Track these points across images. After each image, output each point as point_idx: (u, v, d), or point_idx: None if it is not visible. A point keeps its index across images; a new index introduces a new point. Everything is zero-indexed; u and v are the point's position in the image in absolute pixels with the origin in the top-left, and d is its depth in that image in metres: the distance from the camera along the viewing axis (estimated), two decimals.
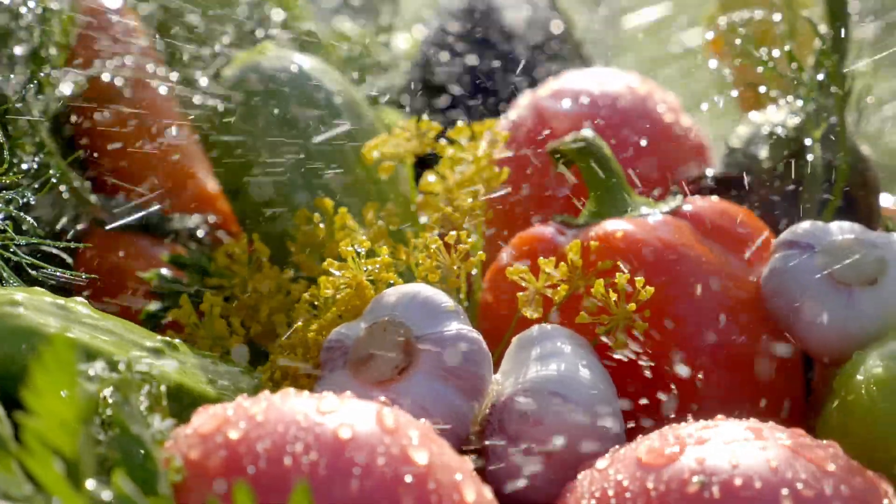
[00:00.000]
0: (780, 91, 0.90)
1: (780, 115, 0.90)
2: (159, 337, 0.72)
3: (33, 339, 0.64)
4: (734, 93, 1.02)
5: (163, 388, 0.59)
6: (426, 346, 0.68)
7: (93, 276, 0.80)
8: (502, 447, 0.67)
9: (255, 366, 0.76)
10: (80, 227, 0.88)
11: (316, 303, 0.74)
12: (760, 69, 0.86)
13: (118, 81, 0.91)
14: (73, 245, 0.77)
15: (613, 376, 0.70)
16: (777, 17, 0.92)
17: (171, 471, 0.55)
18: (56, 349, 0.52)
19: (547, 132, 0.89)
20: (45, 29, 0.84)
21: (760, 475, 0.57)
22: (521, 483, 0.67)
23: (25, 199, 0.76)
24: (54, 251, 0.79)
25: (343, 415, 0.56)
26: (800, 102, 0.87)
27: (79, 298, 0.70)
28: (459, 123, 0.84)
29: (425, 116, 0.85)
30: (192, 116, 0.96)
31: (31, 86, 0.83)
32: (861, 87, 0.89)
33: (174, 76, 0.96)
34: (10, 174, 0.78)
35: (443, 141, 0.84)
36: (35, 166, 0.82)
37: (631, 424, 0.71)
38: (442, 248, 0.74)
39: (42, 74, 0.84)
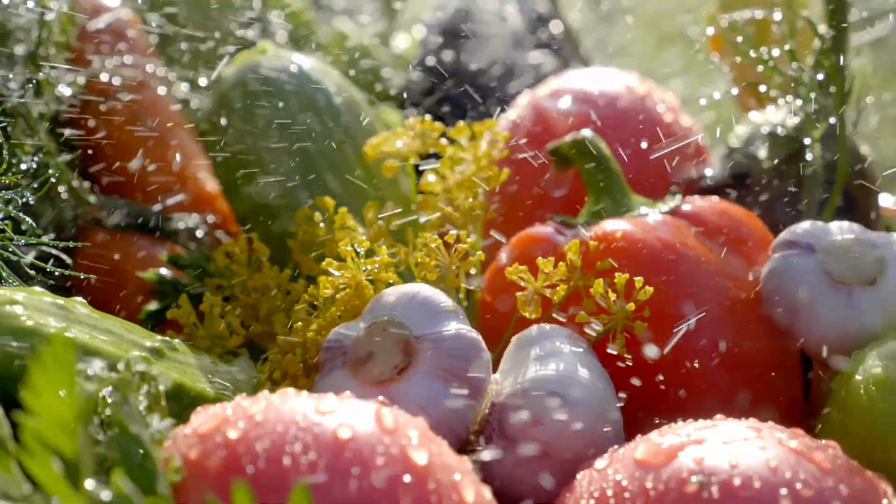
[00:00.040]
0: (779, 91, 0.90)
1: (779, 115, 0.90)
2: (158, 337, 0.72)
3: (33, 339, 0.64)
4: (734, 90, 1.02)
5: (162, 387, 0.59)
6: (425, 346, 0.68)
7: (91, 276, 0.80)
8: (501, 447, 0.67)
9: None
10: (79, 226, 0.88)
11: (315, 303, 0.74)
12: (760, 68, 0.86)
13: (116, 81, 0.91)
14: (72, 245, 0.77)
15: (612, 376, 0.70)
16: (776, 16, 0.92)
17: (170, 471, 0.55)
18: (55, 349, 0.52)
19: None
20: (44, 29, 0.84)
21: (759, 475, 0.57)
22: (519, 483, 0.67)
23: (24, 199, 0.75)
24: (54, 251, 0.79)
25: (342, 415, 0.56)
26: (799, 102, 0.87)
27: (78, 298, 0.70)
28: (460, 123, 0.84)
29: (426, 116, 0.85)
30: (192, 116, 0.97)
31: (31, 86, 0.83)
32: (860, 86, 0.89)
33: (173, 76, 0.96)
34: (9, 174, 0.78)
35: (443, 140, 0.84)
36: (34, 166, 0.82)
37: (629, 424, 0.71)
38: (441, 247, 0.74)
39: (41, 74, 0.84)
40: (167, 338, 0.72)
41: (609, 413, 0.68)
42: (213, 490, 0.53)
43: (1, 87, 0.82)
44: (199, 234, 0.92)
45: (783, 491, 0.56)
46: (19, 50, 0.84)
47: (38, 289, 0.69)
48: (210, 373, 0.72)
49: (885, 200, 0.90)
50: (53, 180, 0.84)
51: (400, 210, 0.83)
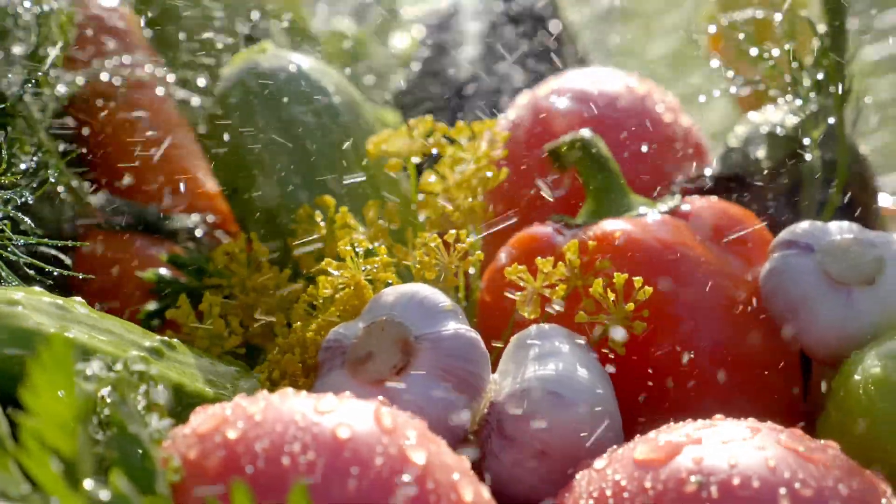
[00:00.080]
0: (778, 90, 0.90)
1: (778, 115, 0.90)
2: (158, 337, 0.72)
3: (32, 339, 0.64)
4: (733, 89, 1.02)
5: (161, 387, 0.59)
6: (424, 346, 0.68)
7: (90, 275, 0.80)
8: (500, 446, 0.67)
9: (253, 365, 0.76)
10: (78, 226, 0.88)
11: (314, 302, 0.74)
12: (760, 67, 0.87)
13: (116, 81, 0.91)
14: (71, 245, 0.77)
15: (611, 375, 0.70)
16: (775, 15, 0.92)
17: (169, 470, 0.55)
18: (54, 349, 0.52)
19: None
20: (43, 28, 0.84)
21: (758, 475, 0.57)
22: (518, 483, 0.67)
23: (23, 199, 0.75)
24: (52, 251, 0.79)
25: (341, 414, 0.56)
26: (798, 102, 0.87)
27: (77, 298, 0.70)
28: (460, 123, 0.84)
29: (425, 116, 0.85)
30: (191, 116, 0.96)
31: (30, 85, 0.83)
32: (859, 86, 0.89)
33: (172, 76, 0.96)
34: (8, 174, 0.78)
35: (442, 140, 0.84)
36: (33, 166, 0.82)
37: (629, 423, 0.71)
38: (441, 246, 0.74)
39: (40, 74, 0.84)
40: (166, 338, 0.72)
41: (608, 413, 0.68)
42: (212, 490, 0.53)
43: (0, 86, 0.82)
44: (199, 233, 0.92)
45: (782, 491, 0.56)
46: (18, 49, 0.84)
47: (37, 288, 0.69)
48: (209, 373, 0.72)
49: (884, 200, 0.90)
50: (52, 180, 0.84)
51: (400, 210, 0.83)
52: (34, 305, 0.66)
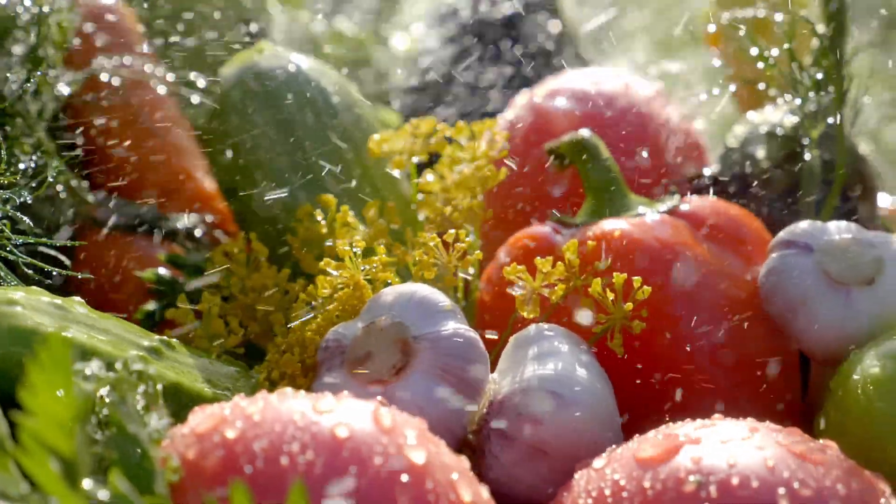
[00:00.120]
0: (778, 90, 0.90)
1: (777, 115, 0.90)
2: (156, 336, 0.72)
3: (31, 339, 0.64)
4: (732, 87, 1.02)
5: (159, 387, 0.59)
6: (423, 346, 0.68)
7: (90, 275, 0.80)
8: (499, 446, 0.67)
9: (252, 365, 0.76)
10: (77, 226, 0.88)
11: (313, 302, 0.74)
12: (760, 65, 0.87)
13: (115, 81, 0.91)
14: (70, 244, 0.77)
15: (610, 375, 0.70)
16: (774, 15, 0.92)
17: (168, 470, 0.55)
18: (52, 348, 0.52)
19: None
20: (43, 28, 0.84)
21: (757, 475, 0.57)
22: (517, 482, 0.67)
23: (22, 199, 0.75)
24: (52, 251, 0.79)
25: (340, 414, 0.56)
26: (798, 102, 0.87)
27: (76, 298, 0.70)
28: (459, 123, 0.84)
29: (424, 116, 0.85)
30: (190, 116, 0.96)
31: (29, 85, 0.83)
32: (858, 86, 0.89)
33: (171, 76, 0.96)
34: (8, 174, 0.78)
35: (443, 140, 0.84)
36: (32, 166, 0.82)
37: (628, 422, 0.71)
38: (440, 245, 0.74)
39: (39, 74, 0.84)
40: (165, 337, 0.72)
41: (607, 412, 0.68)
42: (210, 490, 0.53)
43: None
44: (198, 233, 0.92)
45: (781, 490, 0.56)
46: (17, 49, 0.84)
47: (36, 288, 0.68)
48: (208, 372, 0.72)
49: (883, 200, 0.90)
50: (51, 179, 0.84)
51: (399, 210, 0.83)
52: (33, 305, 0.66)
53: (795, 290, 0.74)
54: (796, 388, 0.78)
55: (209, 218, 0.92)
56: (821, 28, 0.87)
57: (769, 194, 0.88)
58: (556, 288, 0.73)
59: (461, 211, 0.80)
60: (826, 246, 0.75)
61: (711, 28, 1.08)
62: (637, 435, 0.63)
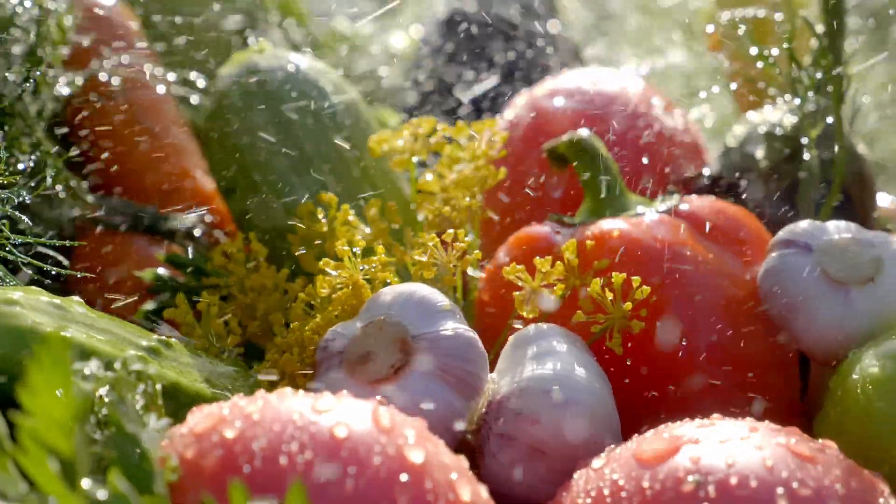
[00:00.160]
0: (777, 90, 0.90)
1: (776, 115, 0.90)
2: (155, 336, 0.72)
3: (30, 339, 0.64)
4: (732, 85, 1.02)
5: (158, 387, 0.59)
6: (422, 346, 0.68)
7: (89, 274, 0.80)
8: (498, 446, 0.67)
9: (251, 365, 0.76)
10: (76, 226, 0.88)
11: (312, 302, 0.74)
12: (760, 64, 0.87)
13: (115, 81, 0.91)
14: (69, 244, 0.77)
15: (609, 375, 0.70)
16: (773, 15, 0.92)
17: (167, 470, 0.55)
18: (51, 348, 0.52)
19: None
20: (42, 28, 0.84)
21: (756, 474, 0.57)
22: (516, 482, 0.67)
23: (21, 199, 0.75)
24: (51, 251, 0.79)
25: (339, 414, 0.56)
26: (797, 101, 0.87)
27: (75, 298, 0.70)
28: (459, 122, 0.84)
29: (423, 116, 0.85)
30: (189, 115, 0.96)
31: (28, 85, 0.83)
32: (857, 86, 0.89)
33: (171, 75, 0.96)
34: (6, 174, 0.78)
35: (442, 139, 0.84)
36: (31, 165, 0.82)
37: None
38: (439, 245, 0.74)
39: (38, 73, 0.84)
40: (164, 337, 0.72)
41: (606, 412, 0.68)
42: (209, 490, 0.53)
43: None
44: (197, 233, 0.92)
45: (780, 490, 0.56)
46: (17, 49, 0.84)
47: (35, 288, 0.68)
48: (207, 372, 0.72)
49: (882, 200, 0.90)
50: (50, 179, 0.84)
51: (399, 210, 0.83)
52: (32, 305, 0.66)
53: (795, 289, 0.74)
54: (796, 387, 0.78)
55: (208, 218, 0.92)
56: (820, 28, 0.87)
57: (768, 194, 0.88)
58: (555, 287, 0.73)
59: (460, 210, 0.80)
60: (825, 245, 0.75)
61: (710, 29, 1.08)
62: (636, 435, 0.63)
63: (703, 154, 0.93)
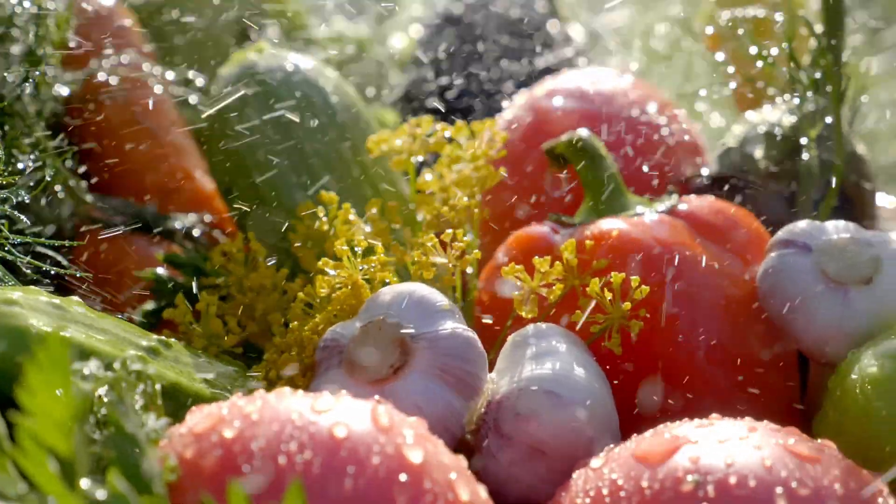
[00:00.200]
0: (776, 89, 0.90)
1: (776, 115, 0.90)
2: (155, 336, 0.72)
3: (29, 338, 0.64)
4: (732, 84, 1.02)
5: (158, 387, 0.59)
6: (421, 345, 0.68)
7: (88, 274, 0.80)
8: (497, 446, 0.67)
9: (250, 365, 0.76)
10: (75, 225, 0.88)
11: (311, 302, 0.74)
12: (759, 63, 0.87)
13: (113, 80, 0.91)
14: (68, 244, 0.77)
15: (608, 374, 0.70)
16: (771, 14, 0.92)
17: (166, 470, 0.55)
18: (50, 348, 0.52)
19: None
20: (41, 28, 0.84)
21: (755, 474, 0.57)
22: (515, 482, 0.67)
23: (20, 199, 0.75)
24: (49, 251, 0.79)
25: (338, 413, 0.56)
26: (796, 101, 0.87)
27: (75, 298, 0.70)
28: (458, 122, 0.84)
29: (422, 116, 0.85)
30: (188, 116, 0.96)
31: (27, 84, 0.83)
32: (856, 86, 0.89)
33: (170, 75, 0.96)
34: (6, 173, 0.78)
35: (441, 139, 0.84)
36: (30, 165, 0.82)
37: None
38: (438, 245, 0.74)
39: (38, 73, 0.84)
40: (163, 337, 0.72)
41: (605, 412, 0.68)
42: (208, 489, 0.53)
43: None
44: (196, 233, 0.92)
45: (779, 490, 0.56)
46: (15, 49, 0.84)
47: (34, 288, 0.68)
48: (206, 372, 0.72)
49: (881, 199, 0.90)
50: (49, 179, 0.84)
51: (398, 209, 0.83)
52: (31, 305, 0.66)
53: (794, 289, 0.74)
54: (795, 387, 0.78)
55: (207, 218, 0.92)
56: (819, 28, 0.87)
57: (767, 194, 0.88)
58: (554, 287, 0.73)
59: (458, 210, 0.80)
60: (824, 245, 0.75)
61: (710, 30, 1.08)
62: (635, 434, 0.63)
63: (703, 154, 0.94)
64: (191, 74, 0.97)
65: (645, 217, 0.78)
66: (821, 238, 0.75)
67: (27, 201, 0.77)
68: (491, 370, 0.70)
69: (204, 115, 0.90)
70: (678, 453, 0.59)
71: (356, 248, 0.73)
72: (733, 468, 0.57)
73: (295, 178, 0.86)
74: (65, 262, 0.79)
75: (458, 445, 0.67)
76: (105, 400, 0.56)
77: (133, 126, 0.92)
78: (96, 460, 0.54)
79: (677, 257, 0.75)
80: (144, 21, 1.00)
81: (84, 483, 0.52)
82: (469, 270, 0.79)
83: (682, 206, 0.80)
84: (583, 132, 0.82)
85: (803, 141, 0.87)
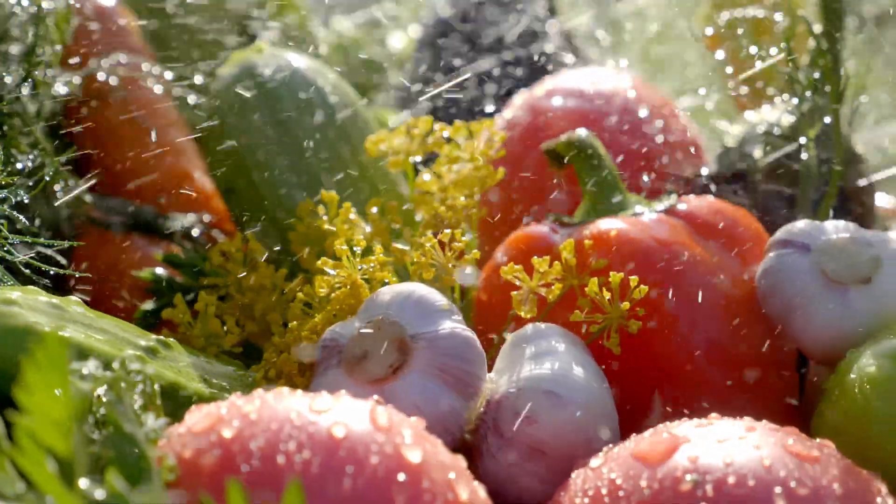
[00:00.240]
0: (775, 89, 0.90)
1: (775, 114, 0.90)
2: (154, 336, 0.72)
3: (27, 338, 0.64)
4: (731, 84, 1.02)
5: (156, 386, 0.59)
6: (420, 345, 0.68)
7: (87, 274, 0.80)
8: (496, 446, 0.67)
9: (249, 364, 0.76)
10: (74, 226, 0.88)
11: (310, 302, 0.74)
12: (759, 64, 0.87)
13: (113, 80, 0.91)
14: (67, 244, 0.77)
15: (607, 374, 0.70)
16: (771, 15, 0.92)
17: (165, 469, 0.55)
18: (49, 348, 0.52)
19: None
20: (40, 28, 0.84)
21: (754, 473, 0.57)
22: (514, 482, 0.67)
23: (19, 199, 0.75)
24: (49, 251, 0.79)
25: (337, 413, 0.56)
26: (795, 101, 0.87)
27: (73, 297, 0.70)
28: (457, 122, 0.84)
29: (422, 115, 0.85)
30: (187, 115, 0.96)
31: (26, 84, 0.83)
32: (855, 85, 0.89)
33: (169, 75, 0.96)
34: (5, 173, 0.78)
35: (440, 139, 0.84)
36: (30, 165, 0.82)
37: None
38: (437, 246, 0.74)
39: (37, 73, 0.84)
40: (162, 337, 0.72)
41: (604, 411, 0.68)
42: (207, 489, 0.53)
43: None
44: (195, 233, 0.92)
45: (777, 490, 0.56)
46: (14, 49, 0.84)
47: (33, 288, 0.69)
48: (205, 372, 0.72)
49: (880, 199, 0.90)
50: (48, 179, 0.84)
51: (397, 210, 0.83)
52: (30, 305, 0.66)
53: (793, 289, 0.74)
54: (794, 387, 0.78)
55: (207, 217, 0.92)
56: (818, 28, 0.87)
57: (766, 193, 0.88)
58: (553, 287, 0.73)
59: (456, 210, 0.80)
60: (823, 245, 0.75)
61: (710, 31, 1.08)
62: (634, 434, 0.63)
63: (702, 153, 0.94)
64: (190, 74, 0.97)
65: (644, 217, 0.78)
66: (820, 238, 0.75)
67: (26, 201, 0.77)
68: (490, 370, 0.70)
69: (203, 115, 0.90)
70: (677, 453, 0.59)
71: (355, 248, 0.73)
72: (732, 468, 0.57)
73: (295, 178, 0.86)
74: (64, 262, 0.79)
75: (458, 445, 0.67)
76: (104, 400, 0.56)
77: (132, 126, 0.92)
78: (95, 460, 0.54)
79: (676, 257, 0.75)
80: (144, 19, 1.00)
81: (83, 483, 0.52)
82: (468, 270, 0.79)
83: (681, 206, 0.80)
84: (582, 132, 0.82)
85: (802, 141, 0.87)
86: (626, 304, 0.72)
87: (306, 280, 0.78)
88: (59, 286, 0.82)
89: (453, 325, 0.69)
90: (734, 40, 0.93)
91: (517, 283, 0.73)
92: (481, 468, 0.67)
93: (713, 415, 0.63)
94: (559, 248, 0.75)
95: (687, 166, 0.91)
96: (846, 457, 0.61)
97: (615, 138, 0.89)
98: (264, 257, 0.80)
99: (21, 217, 0.75)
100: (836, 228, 0.76)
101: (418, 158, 0.83)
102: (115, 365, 0.58)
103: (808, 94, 0.86)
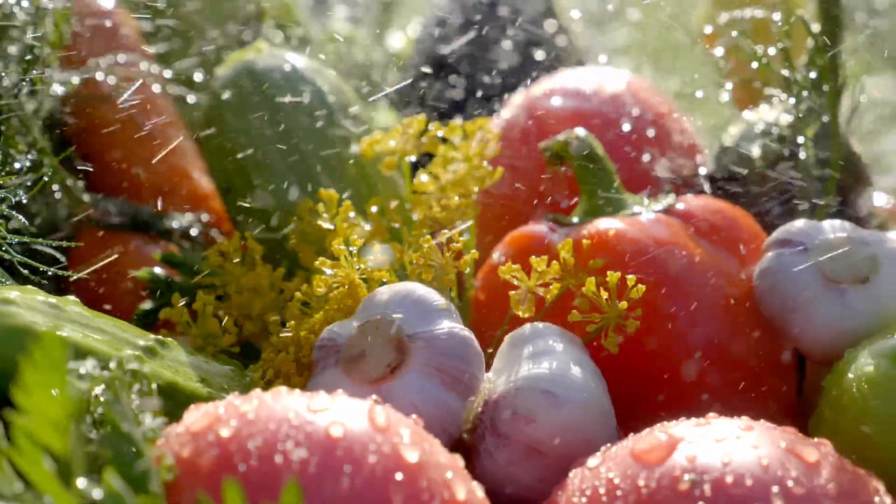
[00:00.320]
0: (773, 89, 0.90)
1: (773, 114, 0.90)
2: (152, 335, 0.72)
3: (25, 338, 0.64)
4: (728, 84, 1.02)
5: (154, 386, 0.59)
6: (418, 345, 0.68)
7: (85, 274, 0.80)
8: (494, 445, 0.67)
9: (247, 364, 0.76)
10: (72, 225, 0.88)
11: (308, 301, 0.74)
12: (755, 64, 0.87)
13: (111, 80, 0.91)
14: (65, 244, 0.77)
15: (605, 374, 0.70)
16: (769, 14, 0.92)
17: (163, 469, 0.55)
18: (46, 347, 0.52)
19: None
20: (39, 28, 0.84)
21: (752, 473, 0.57)
22: (512, 481, 0.67)
23: (17, 198, 0.75)
24: (47, 250, 0.79)
25: (334, 413, 0.56)
26: (793, 101, 0.87)
27: (71, 297, 0.70)
28: (453, 122, 0.84)
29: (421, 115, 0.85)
30: (186, 115, 0.96)
31: (24, 84, 0.83)
32: (853, 85, 0.89)
33: (168, 74, 0.96)
34: (3, 173, 0.78)
35: (436, 139, 0.83)
36: (28, 165, 0.82)
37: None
38: (434, 246, 0.74)
39: (35, 73, 0.84)
40: (160, 336, 0.72)
41: (602, 411, 0.68)
42: (204, 488, 0.53)
43: None
44: (193, 232, 0.92)
45: (775, 489, 0.56)
46: (13, 49, 0.84)
47: (31, 287, 0.69)
48: (203, 371, 0.72)
49: (877, 199, 0.90)
50: (46, 178, 0.84)
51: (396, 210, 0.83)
52: (28, 304, 0.66)
53: (791, 289, 0.74)
54: (792, 386, 0.78)
55: (205, 217, 0.92)
56: (816, 27, 0.87)
57: (764, 193, 0.88)
58: (551, 287, 0.73)
59: (452, 210, 0.80)
60: (821, 245, 0.75)
61: (708, 29, 1.08)
62: (632, 433, 0.63)
63: (700, 153, 0.93)
64: (189, 73, 0.97)
65: (642, 216, 0.78)
66: (818, 237, 0.75)
67: (24, 201, 0.77)
68: (488, 369, 0.70)
69: (202, 115, 0.90)
70: (675, 452, 0.59)
71: (353, 248, 0.73)
72: (730, 467, 0.57)
73: (292, 178, 0.86)
74: (63, 261, 0.79)
75: (455, 445, 0.67)
76: (101, 399, 0.56)
77: (130, 125, 0.92)
78: (92, 459, 0.54)
79: (674, 257, 0.75)
80: (144, 20, 1.00)
81: (80, 482, 0.52)
82: (467, 270, 0.79)
83: (679, 206, 0.80)
84: (580, 131, 0.82)
85: (800, 140, 0.87)
86: (623, 304, 0.72)
87: (304, 279, 0.78)
88: (58, 286, 0.82)
89: (451, 324, 0.69)
90: (733, 39, 0.93)
91: (515, 282, 0.73)
92: (479, 468, 0.67)
93: (711, 414, 0.63)
94: (557, 247, 0.75)
95: (685, 166, 0.91)
96: (844, 456, 0.61)
97: (613, 137, 0.89)
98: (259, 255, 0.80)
99: (20, 216, 0.75)
100: (834, 228, 0.76)
101: (413, 158, 0.83)
102: (113, 364, 0.58)
103: (805, 93, 0.86)
